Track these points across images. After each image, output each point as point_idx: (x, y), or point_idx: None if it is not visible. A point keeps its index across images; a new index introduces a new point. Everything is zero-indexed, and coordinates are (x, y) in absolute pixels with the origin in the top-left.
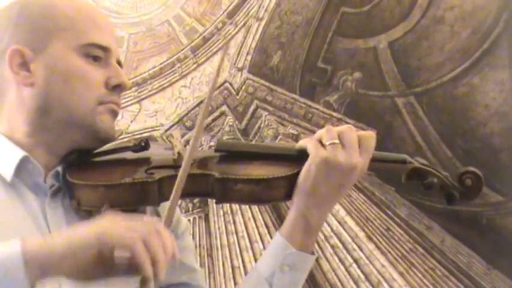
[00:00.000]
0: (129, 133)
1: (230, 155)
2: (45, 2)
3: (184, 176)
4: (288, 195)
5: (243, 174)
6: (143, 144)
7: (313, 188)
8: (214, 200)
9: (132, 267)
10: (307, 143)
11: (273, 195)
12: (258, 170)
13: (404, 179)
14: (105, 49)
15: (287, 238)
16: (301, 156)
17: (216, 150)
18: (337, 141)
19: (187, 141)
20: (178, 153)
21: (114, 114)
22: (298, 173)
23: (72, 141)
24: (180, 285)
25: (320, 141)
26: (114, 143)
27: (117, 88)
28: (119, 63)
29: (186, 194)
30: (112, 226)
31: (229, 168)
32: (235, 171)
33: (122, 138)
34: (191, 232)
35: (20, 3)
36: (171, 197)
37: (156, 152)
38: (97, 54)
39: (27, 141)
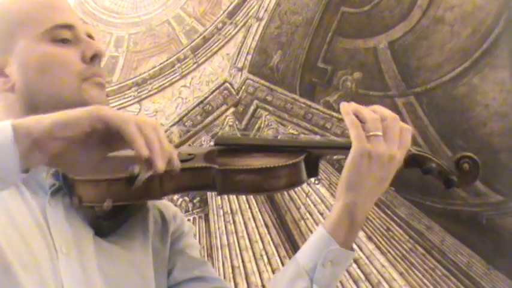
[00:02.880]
0: None
1: (230, 148)
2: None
3: None
4: (288, 185)
5: (243, 165)
6: None
7: (358, 181)
8: (215, 192)
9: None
10: (350, 128)
11: (274, 184)
12: (258, 161)
13: (402, 166)
14: (69, 27)
15: (331, 233)
16: (301, 147)
17: (215, 144)
18: (380, 133)
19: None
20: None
21: (101, 86)
22: (298, 163)
23: None
24: (194, 279)
25: (362, 128)
26: None
27: (95, 58)
28: (90, 36)
29: (187, 188)
30: (109, 109)
31: (230, 160)
32: (235, 162)
33: None
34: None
35: None
36: None
37: None
38: (63, 36)
39: None
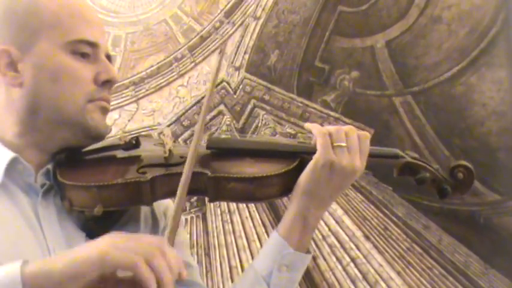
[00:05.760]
0: (126, 132)
1: (222, 152)
2: (31, 0)
3: (185, 189)
4: (282, 193)
5: (235, 173)
6: (134, 142)
7: (315, 189)
8: (207, 198)
9: None
10: (317, 136)
11: (266, 193)
12: (250, 168)
13: (396, 173)
14: (93, 45)
15: (285, 237)
16: (295, 153)
17: (207, 148)
18: (344, 144)
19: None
20: (169, 150)
21: (105, 111)
22: (291, 170)
23: (63, 139)
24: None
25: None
26: (105, 141)
27: (107, 84)
28: (108, 57)
29: None
30: (114, 247)
31: (222, 166)
32: (227, 169)
33: (114, 135)
34: (189, 230)
35: (5, 2)
36: (174, 207)
37: (147, 150)
38: (85, 50)
39: (18, 142)
